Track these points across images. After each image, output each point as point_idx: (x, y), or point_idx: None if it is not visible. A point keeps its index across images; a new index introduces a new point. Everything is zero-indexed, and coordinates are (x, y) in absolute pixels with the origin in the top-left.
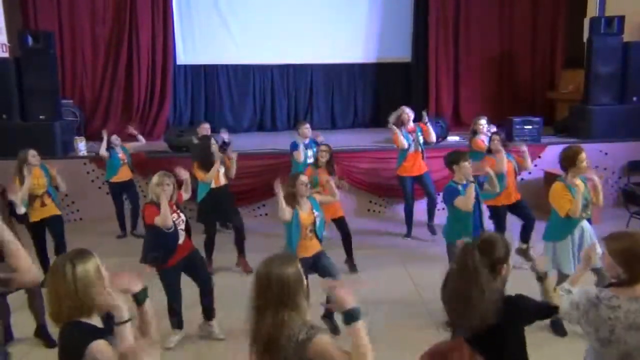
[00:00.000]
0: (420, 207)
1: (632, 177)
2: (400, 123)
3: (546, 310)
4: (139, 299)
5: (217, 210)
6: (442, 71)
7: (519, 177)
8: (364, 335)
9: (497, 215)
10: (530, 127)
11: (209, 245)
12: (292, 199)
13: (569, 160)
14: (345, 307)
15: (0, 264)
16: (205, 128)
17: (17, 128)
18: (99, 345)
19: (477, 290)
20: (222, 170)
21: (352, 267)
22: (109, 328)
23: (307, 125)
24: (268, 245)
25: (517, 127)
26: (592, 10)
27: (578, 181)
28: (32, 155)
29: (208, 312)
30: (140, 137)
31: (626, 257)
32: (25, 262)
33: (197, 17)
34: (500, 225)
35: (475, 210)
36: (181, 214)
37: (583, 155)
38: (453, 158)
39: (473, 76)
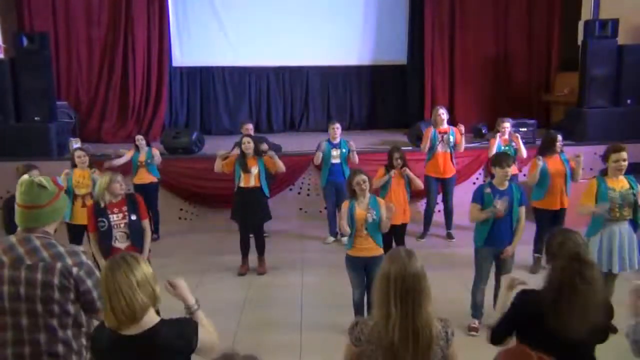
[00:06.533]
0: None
1: None
2: (434, 122)
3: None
4: (192, 310)
5: (244, 211)
6: (437, 74)
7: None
8: None
9: (538, 218)
10: (525, 129)
11: (241, 245)
12: (353, 194)
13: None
14: None
15: None
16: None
17: (12, 129)
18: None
19: (597, 290)
20: (255, 171)
21: None
22: None
23: (336, 125)
24: (269, 245)
25: (512, 129)
26: (587, 13)
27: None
28: (78, 156)
29: None
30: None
31: None
32: None
33: (193, 19)
34: (539, 230)
35: (506, 215)
36: (131, 216)
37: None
38: (495, 160)
39: (468, 79)
